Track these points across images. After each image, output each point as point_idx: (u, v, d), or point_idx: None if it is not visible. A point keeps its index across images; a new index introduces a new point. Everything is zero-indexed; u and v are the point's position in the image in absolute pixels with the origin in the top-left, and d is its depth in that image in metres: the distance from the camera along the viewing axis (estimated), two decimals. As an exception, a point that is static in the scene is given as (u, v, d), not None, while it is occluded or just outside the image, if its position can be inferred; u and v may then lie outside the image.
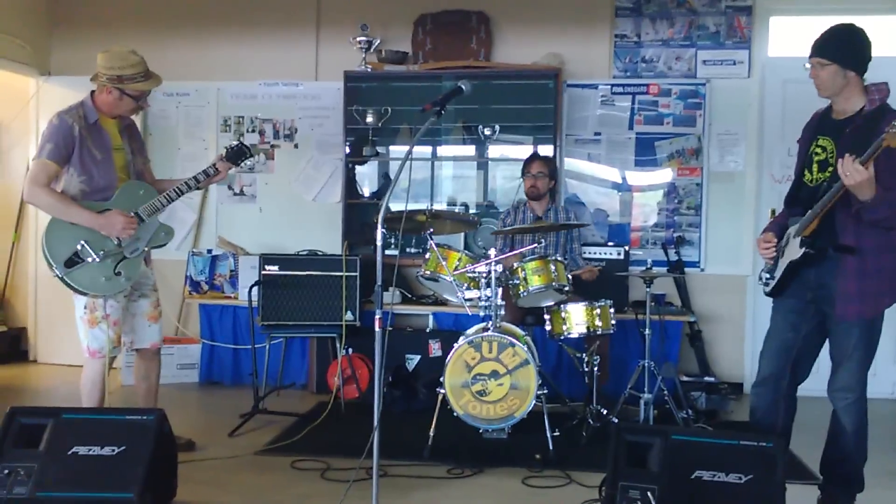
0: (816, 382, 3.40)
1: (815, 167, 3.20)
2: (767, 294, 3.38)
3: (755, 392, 3.39)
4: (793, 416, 3.37)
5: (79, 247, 3.62)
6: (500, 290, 4.13)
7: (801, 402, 3.38)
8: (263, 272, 5.15)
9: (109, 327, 3.70)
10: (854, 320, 3.10)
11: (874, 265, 3.06)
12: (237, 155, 4.02)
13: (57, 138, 3.62)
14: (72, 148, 3.63)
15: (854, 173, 2.82)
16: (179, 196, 3.88)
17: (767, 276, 3.36)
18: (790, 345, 3.27)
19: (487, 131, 5.72)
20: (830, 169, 3.10)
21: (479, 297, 4.14)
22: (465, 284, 4.23)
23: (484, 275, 4.13)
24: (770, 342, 3.36)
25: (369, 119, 5.76)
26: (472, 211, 5.85)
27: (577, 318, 4.34)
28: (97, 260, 3.63)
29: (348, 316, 5.15)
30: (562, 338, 4.40)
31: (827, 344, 3.27)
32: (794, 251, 3.16)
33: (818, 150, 3.20)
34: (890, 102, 3.15)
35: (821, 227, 3.09)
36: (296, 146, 6.11)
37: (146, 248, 3.83)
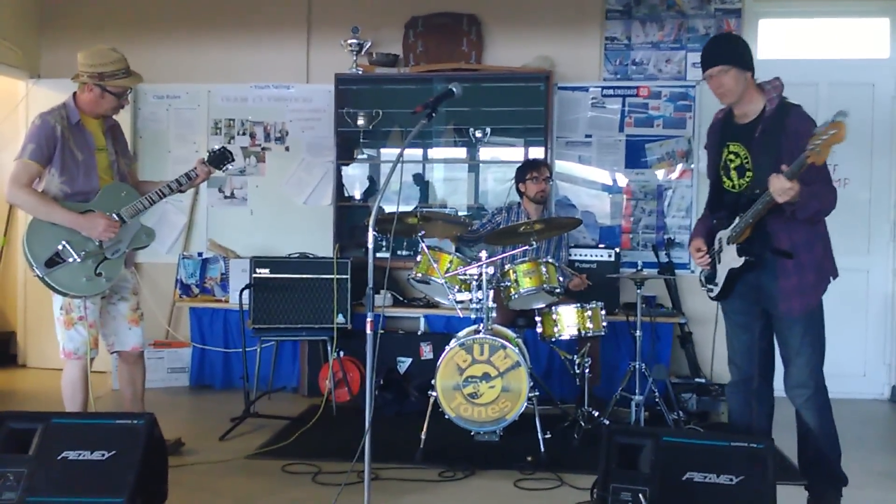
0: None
1: (733, 174, 3.28)
2: (713, 299, 3.44)
3: (728, 395, 3.50)
4: (770, 413, 3.42)
5: (60, 247, 3.61)
6: (491, 293, 4.14)
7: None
8: (254, 275, 5.13)
9: (86, 329, 3.69)
10: (798, 315, 3.18)
11: (808, 259, 3.16)
12: (219, 159, 4.02)
13: (39, 139, 3.62)
14: (53, 148, 3.62)
15: (785, 192, 2.92)
16: (161, 198, 3.87)
17: (707, 281, 3.45)
18: (750, 345, 3.34)
19: (478, 134, 5.73)
20: (749, 174, 3.21)
21: (471, 300, 4.14)
22: (457, 287, 4.23)
23: (475, 277, 4.13)
24: (732, 348, 3.44)
25: (360, 121, 5.75)
26: (462, 213, 5.86)
27: (568, 321, 4.35)
28: (78, 260, 3.62)
29: (339, 319, 5.14)
30: (553, 340, 4.41)
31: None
32: (731, 257, 3.23)
33: (731, 156, 3.28)
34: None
35: (754, 232, 3.17)
36: (287, 149, 6.10)
37: (127, 250, 3.82)
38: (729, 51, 3.22)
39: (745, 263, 3.18)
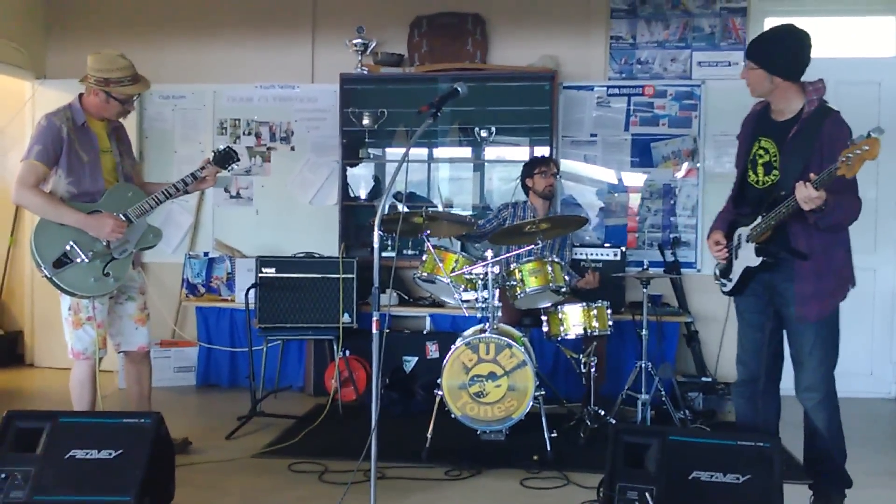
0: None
1: (759, 169, 3.26)
2: (726, 293, 3.43)
3: (734, 395, 3.48)
4: (777, 412, 3.41)
5: (68, 247, 3.61)
6: (497, 292, 4.14)
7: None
8: (260, 275, 5.14)
9: (94, 329, 3.70)
10: (813, 321, 3.15)
11: (826, 265, 3.13)
12: (224, 159, 4.01)
13: (45, 140, 3.63)
14: (60, 149, 3.63)
15: (811, 201, 2.89)
16: (168, 198, 3.88)
17: (721, 275, 3.43)
18: (760, 344, 3.33)
19: (484, 133, 5.73)
20: (775, 172, 3.18)
21: (477, 299, 4.14)
22: (463, 286, 4.23)
23: (481, 276, 4.13)
24: (742, 346, 3.43)
25: (365, 121, 5.76)
26: (468, 212, 5.86)
27: (574, 320, 4.35)
28: (86, 260, 3.63)
29: (345, 318, 5.15)
30: (559, 339, 4.41)
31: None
32: (749, 255, 3.21)
33: (761, 151, 3.26)
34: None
35: (774, 233, 3.15)
36: (292, 149, 6.11)
37: (134, 250, 3.83)
38: (765, 51, 3.17)
39: (762, 263, 3.17)
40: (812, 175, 2.90)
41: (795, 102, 3.17)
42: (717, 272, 3.47)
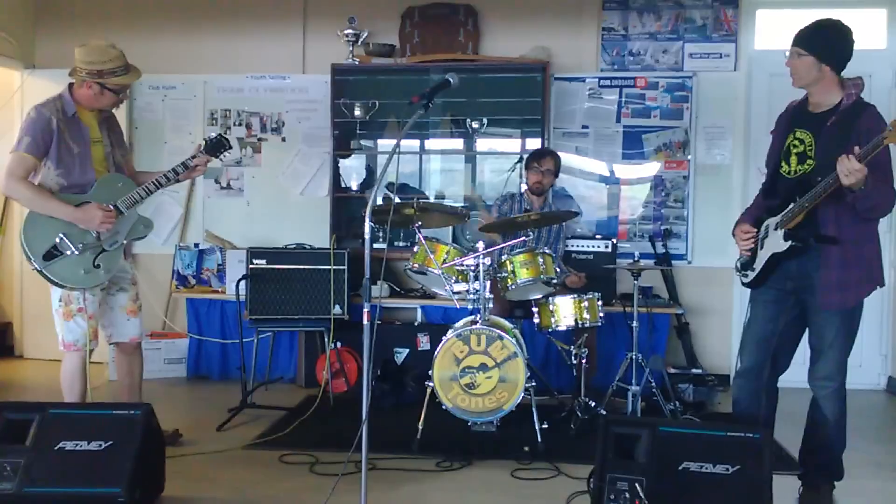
0: (798, 373, 3.43)
1: (793, 159, 3.26)
2: (746, 285, 3.43)
3: (736, 384, 3.45)
4: (775, 406, 3.41)
5: (57, 240, 3.59)
6: (488, 283, 4.14)
7: (783, 392, 3.41)
8: (251, 266, 5.13)
9: (85, 320, 3.68)
10: (835, 309, 3.16)
11: (855, 255, 3.13)
12: (216, 147, 3.99)
13: (34, 131, 3.60)
14: (49, 141, 3.61)
15: (854, 172, 2.88)
16: (158, 188, 3.86)
17: (742, 267, 3.42)
18: (769, 335, 3.31)
19: (475, 124, 5.72)
20: (810, 161, 3.18)
21: (468, 291, 4.13)
22: (454, 277, 4.23)
23: (472, 268, 4.13)
24: (750, 333, 3.40)
25: (357, 112, 5.75)
26: (459, 204, 5.85)
27: (565, 311, 4.36)
28: (76, 253, 3.61)
29: (336, 310, 5.15)
30: (550, 330, 4.41)
31: (806, 333, 3.33)
32: (777, 243, 3.20)
33: (796, 142, 3.26)
34: (864, 96, 3.23)
35: (804, 220, 3.14)
36: (283, 140, 6.09)
37: (125, 241, 3.81)
38: (816, 40, 3.18)
39: (790, 248, 3.15)
40: (856, 149, 2.90)
41: (834, 95, 3.19)
42: (739, 265, 3.45)
